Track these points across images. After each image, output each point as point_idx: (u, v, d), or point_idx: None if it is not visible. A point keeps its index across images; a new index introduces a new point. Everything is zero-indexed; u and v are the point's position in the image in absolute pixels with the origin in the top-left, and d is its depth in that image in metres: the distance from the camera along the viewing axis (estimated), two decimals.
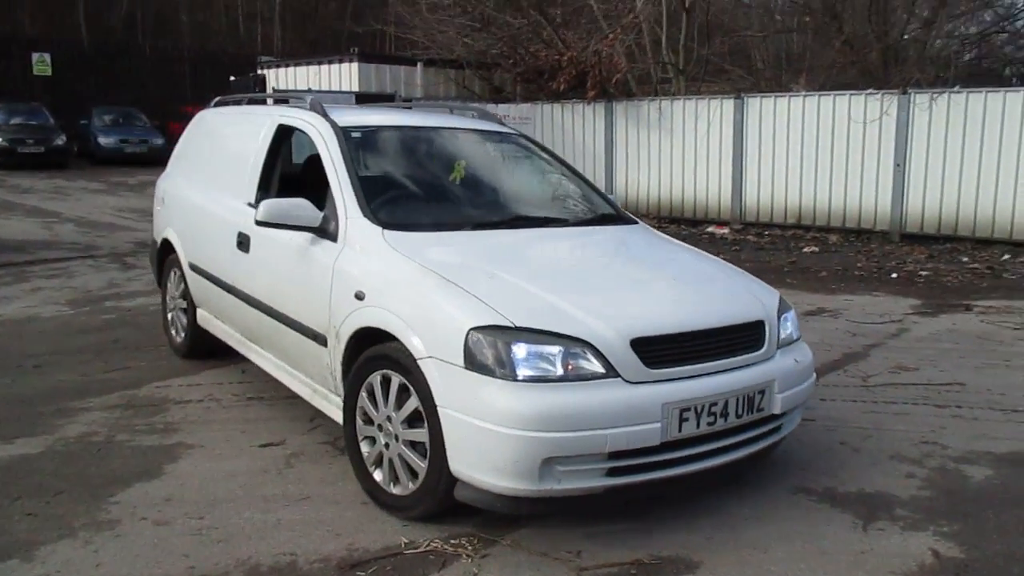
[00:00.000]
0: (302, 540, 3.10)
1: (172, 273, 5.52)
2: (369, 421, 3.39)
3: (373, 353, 3.32)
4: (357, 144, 4.12)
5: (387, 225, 3.63)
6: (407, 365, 3.14)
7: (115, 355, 5.58)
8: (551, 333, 2.94)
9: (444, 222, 3.88)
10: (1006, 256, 9.90)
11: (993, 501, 3.46)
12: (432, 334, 3.04)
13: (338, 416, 3.68)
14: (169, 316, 5.63)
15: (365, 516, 3.29)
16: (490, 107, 13.70)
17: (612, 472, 2.95)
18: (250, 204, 4.43)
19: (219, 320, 4.92)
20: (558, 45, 14.12)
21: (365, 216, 3.66)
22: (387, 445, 3.30)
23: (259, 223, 3.83)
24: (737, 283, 3.73)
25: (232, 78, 16.51)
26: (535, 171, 4.77)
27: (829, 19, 14.45)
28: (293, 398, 4.32)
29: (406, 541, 3.08)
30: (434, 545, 3.05)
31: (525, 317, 2.98)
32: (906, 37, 14.78)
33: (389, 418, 3.26)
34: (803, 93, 12.29)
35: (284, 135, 4.55)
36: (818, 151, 11.66)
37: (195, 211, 5.11)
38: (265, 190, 4.47)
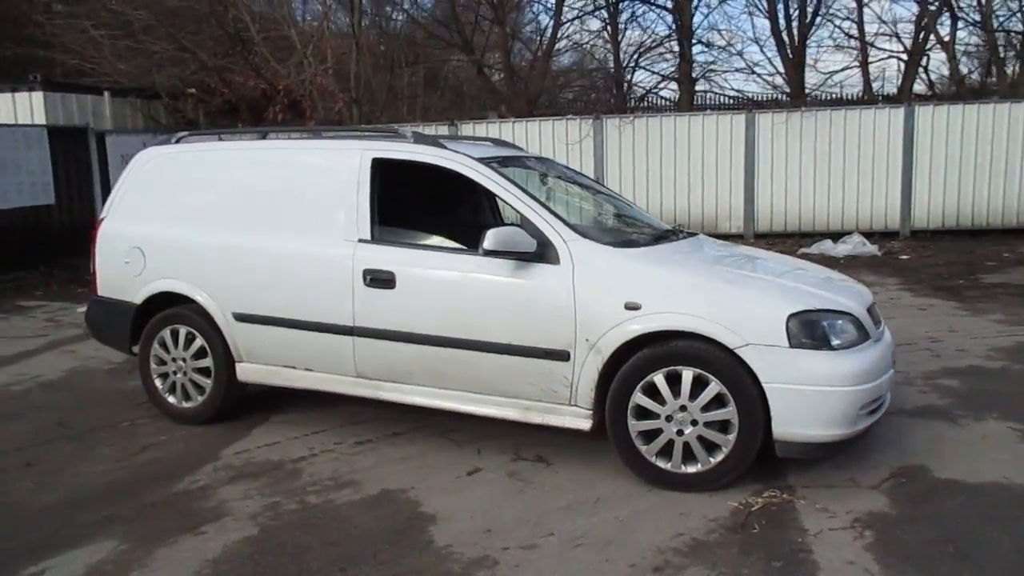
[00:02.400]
0: (650, 536, 3.45)
1: (173, 333, 4.88)
2: (645, 416, 3.81)
3: (671, 353, 3.75)
4: (506, 176, 4.36)
5: (608, 243, 4.06)
6: (706, 357, 3.68)
7: (103, 436, 4.77)
8: (835, 311, 3.75)
9: (631, 239, 4.35)
10: None
11: None
12: (747, 325, 3.64)
13: (574, 424, 3.98)
14: (171, 382, 4.95)
15: (669, 499, 3.72)
16: None
17: (870, 412, 3.86)
18: (363, 240, 4.35)
19: (298, 368, 4.60)
20: (268, 75, 13.84)
21: (586, 237, 4.02)
22: (679, 432, 3.77)
23: (488, 252, 3.93)
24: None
25: None
26: (588, 190, 5.33)
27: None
28: (420, 428, 4.52)
29: (738, 504, 3.63)
30: (765, 498, 3.65)
31: (813, 301, 3.75)
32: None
33: (683, 407, 3.75)
34: (511, 120, 13.92)
35: (380, 169, 4.50)
36: None
37: (247, 255, 4.66)
38: (376, 224, 4.41)
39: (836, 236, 12.32)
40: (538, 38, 21.68)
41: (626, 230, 4.52)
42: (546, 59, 20.88)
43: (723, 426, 3.72)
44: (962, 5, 16.71)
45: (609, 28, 20.73)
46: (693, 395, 3.73)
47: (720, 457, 3.73)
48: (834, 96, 20.25)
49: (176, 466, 4.30)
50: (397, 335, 4.27)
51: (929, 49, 18.41)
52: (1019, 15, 16.13)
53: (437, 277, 4.22)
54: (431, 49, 20.29)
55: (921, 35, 18.02)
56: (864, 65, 20.54)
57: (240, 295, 4.68)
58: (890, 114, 12.63)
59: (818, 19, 18.73)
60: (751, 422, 3.65)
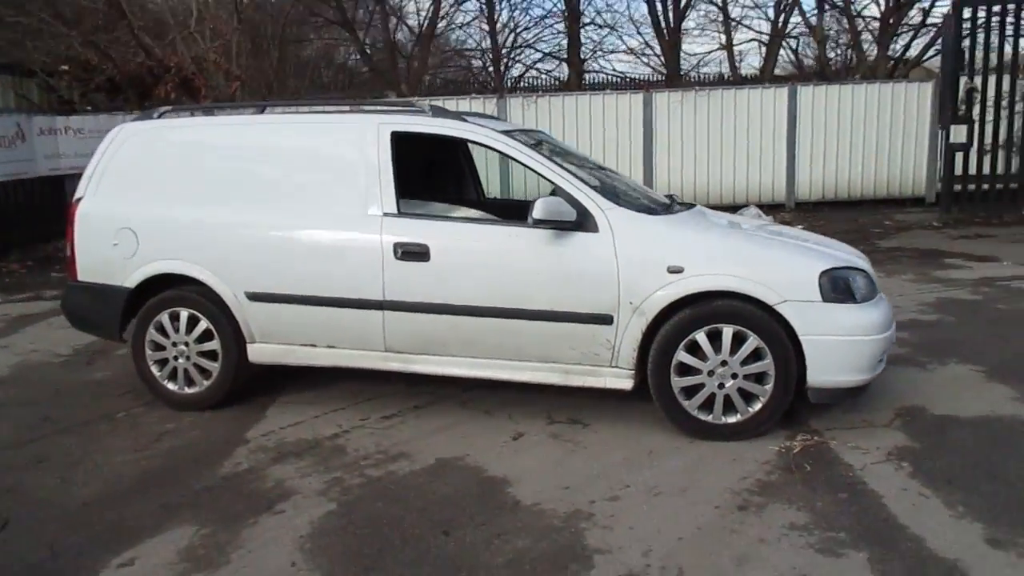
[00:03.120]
0: (718, 481, 3.72)
1: (172, 316, 4.68)
2: (687, 372, 4.06)
3: (712, 312, 3.99)
4: (533, 147, 4.46)
5: (643, 211, 4.26)
6: (745, 315, 3.96)
7: (120, 430, 4.54)
8: (854, 268, 4.11)
9: (651, 207, 4.54)
10: None
11: None
12: (784, 284, 3.93)
13: (615, 384, 4.18)
14: (171, 368, 4.74)
15: (715, 449, 3.98)
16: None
17: (880, 360, 4.27)
18: (389, 214, 4.35)
19: (318, 346, 4.54)
20: (158, 52, 13.09)
21: (621, 206, 4.20)
22: (720, 385, 4.03)
23: (538, 221, 4.03)
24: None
25: None
26: (585, 163, 5.44)
27: None
28: (438, 400, 4.69)
29: (780, 449, 3.94)
30: (800, 441, 3.98)
31: (837, 260, 4.10)
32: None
33: (724, 362, 4.01)
34: (416, 99, 13.85)
35: (399, 142, 4.50)
36: None
37: (259, 232, 4.52)
38: (401, 197, 4.42)
39: (732, 209, 13.08)
40: (420, 18, 21.52)
41: (641, 199, 4.71)
42: (428, 40, 20.80)
43: (759, 378, 4.01)
44: None
45: (486, 8, 20.87)
46: (732, 350, 4.01)
47: (758, 407, 4.03)
48: (705, 77, 21.35)
49: (206, 451, 4.16)
50: (432, 307, 4.30)
51: (789, 33, 19.74)
52: (876, 2, 17.56)
53: (475, 248, 4.28)
54: (311, 28, 19.79)
55: (781, 18, 19.26)
56: (729, 47, 21.74)
57: (253, 273, 4.55)
58: (775, 93, 13.52)
59: (691, 2, 19.65)
60: (787, 372, 3.97)
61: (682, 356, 4.04)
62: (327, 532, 3.27)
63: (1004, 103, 10.69)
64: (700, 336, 4.02)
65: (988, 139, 11.11)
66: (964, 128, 10.52)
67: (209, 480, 3.82)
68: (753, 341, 3.98)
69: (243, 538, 3.24)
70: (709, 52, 22.14)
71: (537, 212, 4.03)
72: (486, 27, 21.52)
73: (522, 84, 22.69)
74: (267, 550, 3.14)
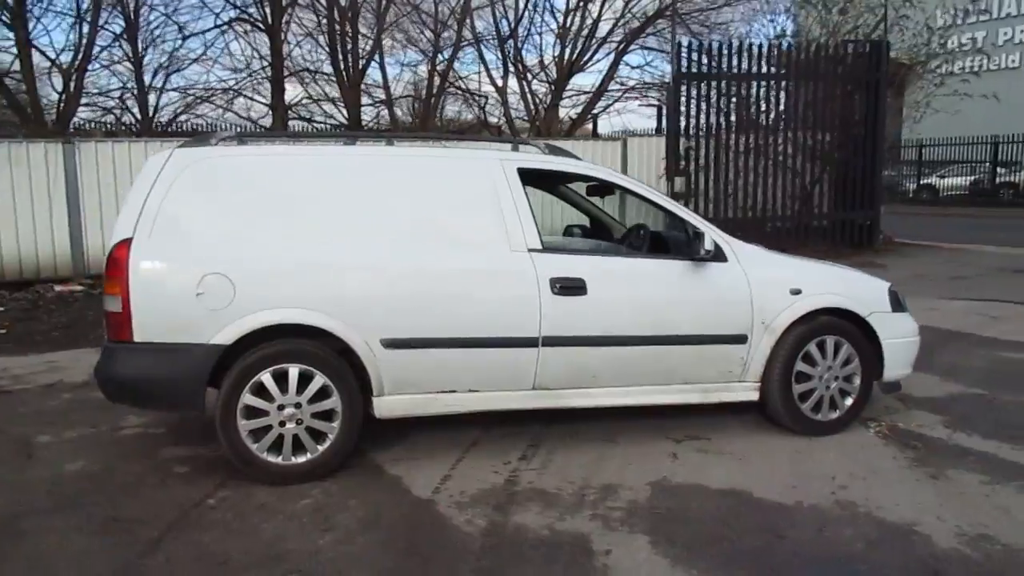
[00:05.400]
0: (875, 459, 4.47)
1: (277, 375, 4.01)
2: (804, 378, 4.73)
3: (820, 326, 4.70)
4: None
5: (752, 242, 4.88)
6: (841, 327, 4.78)
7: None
8: (890, 288, 5.14)
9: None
10: None
11: None
12: (868, 300, 4.82)
13: (745, 397, 4.72)
14: (275, 436, 4.03)
15: (831, 441, 4.70)
16: None
17: None
18: (534, 250, 4.36)
19: (459, 391, 4.28)
20: None
21: (737, 238, 4.75)
22: (827, 388, 4.77)
23: (707, 251, 4.40)
24: None
25: None
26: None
27: None
28: (545, 433, 4.70)
29: (876, 435, 4.79)
30: (880, 429, 4.88)
31: (888, 281, 5.11)
32: None
33: (829, 367, 4.76)
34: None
35: (524, 179, 4.52)
36: None
37: (394, 273, 4.14)
38: (539, 233, 4.44)
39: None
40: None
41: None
42: (81, 73, 18.42)
43: (848, 379, 4.84)
44: None
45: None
46: (834, 357, 4.78)
47: (849, 403, 4.85)
48: None
49: (428, 525, 3.69)
50: (590, 340, 4.38)
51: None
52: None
53: (627, 280, 4.48)
54: None
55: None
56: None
57: (390, 318, 4.14)
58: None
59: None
60: (870, 371, 4.86)
61: (800, 366, 4.71)
62: (705, 559, 3.29)
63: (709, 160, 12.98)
64: (812, 347, 4.73)
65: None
66: (682, 179, 12.71)
67: (497, 538, 3.46)
68: (847, 349, 4.80)
69: None
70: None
71: (708, 245, 4.42)
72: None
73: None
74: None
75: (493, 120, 20.44)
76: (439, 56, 19.60)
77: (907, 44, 15.05)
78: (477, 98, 19.99)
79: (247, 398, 4.00)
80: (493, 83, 19.68)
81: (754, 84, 13.11)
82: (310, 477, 4.09)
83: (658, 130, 20.01)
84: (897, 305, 4.96)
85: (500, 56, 19.16)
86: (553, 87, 20.14)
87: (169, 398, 4.06)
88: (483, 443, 4.66)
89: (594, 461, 4.39)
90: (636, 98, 20.82)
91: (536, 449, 4.57)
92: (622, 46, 19.92)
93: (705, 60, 12.86)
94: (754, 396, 4.73)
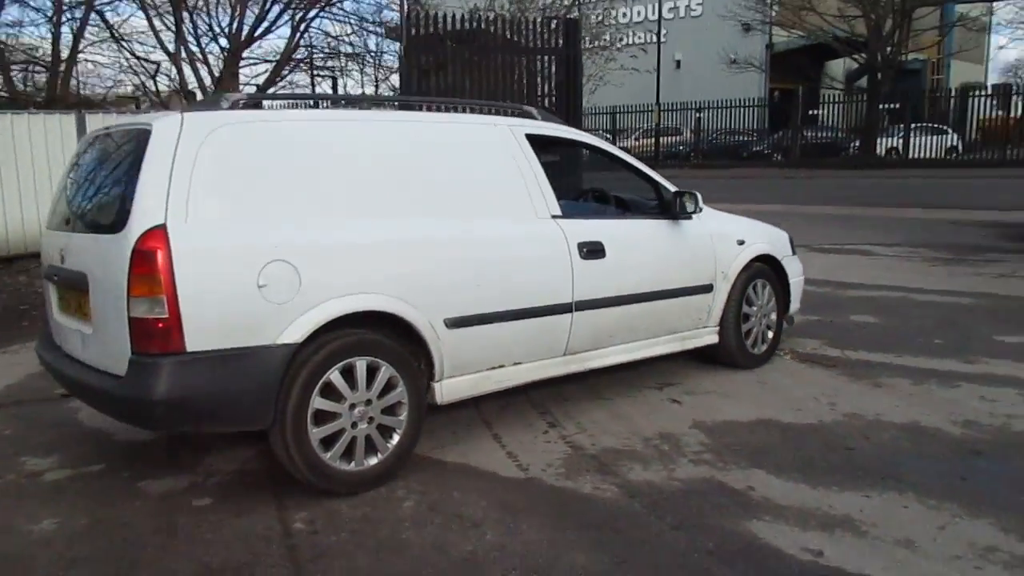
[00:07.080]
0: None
1: (346, 371, 3.53)
2: (746, 319, 5.35)
3: (755, 271, 5.32)
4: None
5: None
6: (766, 272, 5.49)
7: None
8: (788, 235, 5.97)
9: None
10: None
11: None
12: (780, 247, 5.58)
13: (709, 340, 5.21)
14: (347, 440, 3.55)
15: (765, 369, 5.40)
16: None
17: None
18: (556, 216, 4.37)
19: (506, 366, 4.14)
20: None
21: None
22: (760, 323, 5.45)
23: (691, 214, 4.74)
24: None
25: None
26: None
27: None
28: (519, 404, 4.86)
29: (788, 356, 5.60)
30: (783, 351, 5.71)
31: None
32: None
33: (761, 306, 5.45)
34: None
35: (534, 145, 4.46)
36: None
37: (445, 247, 3.84)
38: (556, 198, 4.44)
39: None
40: None
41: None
42: None
43: (769, 315, 5.58)
44: None
45: None
46: (767, 297, 5.49)
47: (771, 335, 5.60)
48: None
49: (559, 506, 3.56)
50: (610, 301, 4.51)
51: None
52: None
53: (635, 241, 4.68)
54: None
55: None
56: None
57: (452, 296, 3.87)
58: None
59: None
60: (783, 307, 5.66)
61: (745, 308, 5.32)
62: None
63: None
64: (750, 291, 5.37)
65: None
66: None
67: (645, 498, 3.47)
68: (770, 290, 5.54)
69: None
70: None
71: (702, 203, 4.79)
72: None
73: None
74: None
75: (164, 88, 18.42)
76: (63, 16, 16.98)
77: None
78: (146, 65, 17.78)
79: (317, 401, 3.47)
80: (164, 49, 17.68)
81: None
82: (382, 480, 3.69)
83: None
84: (793, 249, 5.81)
85: (174, 22, 17.22)
86: (227, 54, 18.69)
87: (236, 415, 3.34)
88: (495, 419, 4.54)
89: (613, 417, 4.54)
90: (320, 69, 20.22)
91: (551, 416, 4.58)
92: (301, 13, 19.16)
93: (431, 30, 13.03)
94: (715, 339, 5.23)
